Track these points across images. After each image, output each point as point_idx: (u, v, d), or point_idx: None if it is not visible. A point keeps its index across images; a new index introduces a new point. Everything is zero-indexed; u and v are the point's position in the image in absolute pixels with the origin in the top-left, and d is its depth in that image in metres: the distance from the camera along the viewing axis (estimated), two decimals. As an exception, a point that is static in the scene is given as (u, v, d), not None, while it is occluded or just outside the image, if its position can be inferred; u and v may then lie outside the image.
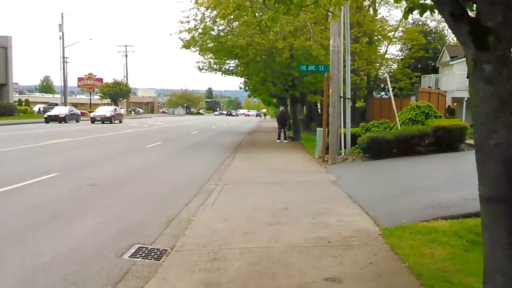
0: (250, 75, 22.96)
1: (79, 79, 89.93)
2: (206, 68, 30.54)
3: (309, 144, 22.39)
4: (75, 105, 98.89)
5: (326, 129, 15.78)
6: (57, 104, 71.96)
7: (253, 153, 19.07)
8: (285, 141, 24.23)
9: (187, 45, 20.60)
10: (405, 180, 10.97)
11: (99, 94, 74.44)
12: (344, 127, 15.76)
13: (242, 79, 32.88)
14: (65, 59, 55.74)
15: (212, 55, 26.52)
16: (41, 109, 67.13)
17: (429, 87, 37.90)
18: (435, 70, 42.11)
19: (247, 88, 33.12)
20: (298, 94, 23.73)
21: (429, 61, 43.97)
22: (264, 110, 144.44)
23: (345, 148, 15.57)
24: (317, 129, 17.51)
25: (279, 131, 24.69)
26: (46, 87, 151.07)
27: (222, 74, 31.71)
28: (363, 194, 9.37)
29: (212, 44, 21.09)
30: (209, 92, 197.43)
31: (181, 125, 46.35)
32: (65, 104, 57.93)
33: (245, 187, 10.86)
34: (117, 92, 69.98)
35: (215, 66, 30.35)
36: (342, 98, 15.45)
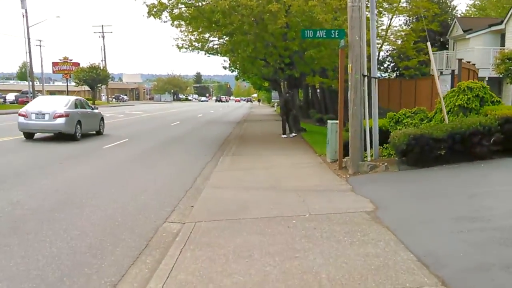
0: (236, 50, 18.20)
1: (54, 64, 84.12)
2: (187, 46, 26.03)
3: (313, 138, 17.88)
4: (52, 92, 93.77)
5: (342, 123, 11.32)
6: (27, 92, 66.89)
7: (243, 153, 14.55)
8: (293, 134, 19.57)
9: (153, 10, 15.71)
10: (504, 210, 6.53)
11: (74, 80, 68.96)
12: (368, 118, 11.26)
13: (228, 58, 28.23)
14: (29, 40, 50.27)
15: (188, 27, 21.79)
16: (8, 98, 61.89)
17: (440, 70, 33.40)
18: (443, 46, 37.54)
19: (232, 68, 28.36)
20: (297, 74, 19.18)
21: (436, 36, 39.38)
22: (255, 95, 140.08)
23: (371, 148, 11.08)
24: (329, 122, 12.99)
25: (283, 123, 19.89)
26: (24, 74, 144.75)
27: (205, 54, 27.31)
28: (450, 255, 4.93)
29: (186, 9, 16.30)
30: (198, 76, 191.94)
31: (163, 114, 41.60)
32: (32, 92, 52.64)
33: (228, 233, 6.34)
34: (94, 78, 64.55)
35: (197, 44, 25.88)
36: (365, 78, 10.91)
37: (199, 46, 26.36)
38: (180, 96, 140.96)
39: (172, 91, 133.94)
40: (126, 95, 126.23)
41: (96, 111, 20.39)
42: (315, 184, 9.53)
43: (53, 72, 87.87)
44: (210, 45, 26.32)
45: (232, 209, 7.50)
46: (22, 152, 14.32)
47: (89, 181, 9.95)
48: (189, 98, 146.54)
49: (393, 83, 31.24)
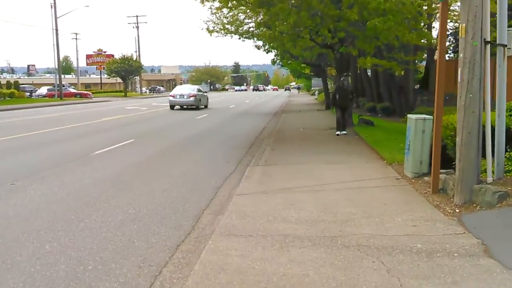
0: (273, 24, 13.88)
1: (88, 57, 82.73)
2: (219, 30, 22.44)
3: (373, 136, 13.58)
4: (88, 85, 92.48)
5: (441, 118, 7.08)
6: (63, 85, 65.03)
7: (279, 161, 10.38)
8: (343, 132, 14.88)
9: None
10: None
11: (106, 72, 66.52)
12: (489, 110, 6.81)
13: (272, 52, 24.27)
14: (57, 31, 47.77)
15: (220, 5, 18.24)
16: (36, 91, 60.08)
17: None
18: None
19: (268, 49, 24.42)
20: (355, 52, 14.69)
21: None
22: (294, 84, 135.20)
23: (492, 157, 6.63)
24: (410, 116, 8.71)
25: (338, 118, 15.00)
26: (66, 68, 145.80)
27: (240, 38, 23.68)
28: None
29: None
30: (236, 66, 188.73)
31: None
32: (59, 85, 50.30)
33: None
34: (126, 69, 61.74)
35: (230, 27, 22.40)
36: (487, 45, 6.45)
37: (233, 30, 22.92)
38: (217, 86, 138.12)
39: (209, 81, 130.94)
40: (162, 86, 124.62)
41: (206, 94, 34.83)
42: (405, 232, 5.27)
43: (87, 64, 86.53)
44: (245, 28, 22.91)
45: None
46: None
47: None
48: (226, 88, 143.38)
49: (449, 64, 26.21)
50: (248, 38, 23.77)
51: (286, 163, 10.03)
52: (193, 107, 30.90)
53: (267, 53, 24.33)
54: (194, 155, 11.75)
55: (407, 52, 21.64)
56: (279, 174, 8.89)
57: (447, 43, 31.95)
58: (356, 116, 17.88)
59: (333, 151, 11.53)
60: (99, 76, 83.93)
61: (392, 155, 10.00)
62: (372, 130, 14.84)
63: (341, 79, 14.84)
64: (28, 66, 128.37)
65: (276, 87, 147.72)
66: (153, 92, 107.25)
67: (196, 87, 34.80)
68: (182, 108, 31.25)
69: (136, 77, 68.87)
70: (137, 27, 72.70)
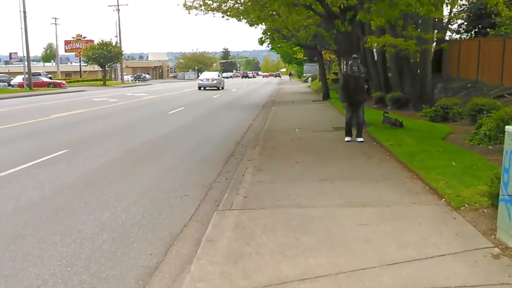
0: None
1: (66, 43, 77.65)
2: (198, 6, 19.00)
3: (398, 143, 9.56)
4: (68, 74, 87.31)
5: None
6: (39, 74, 60.33)
7: (266, 199, 6.32)
8: (359, 139, 10.59)
9: None
10: None
11: (84, 59, 61.73)
12: None
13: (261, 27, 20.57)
14: (25, 14, 42.90)
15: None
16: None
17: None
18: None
19: (266, 38, 20.94)
20: (380, 22, 10.45)
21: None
22: (284, 70, 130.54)
23: None
24: (507, 130, 4.65)
25: (348, 119, 10.73)
26: (50, 55, 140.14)
27: (223, 16, 20.01)
28: None
29: None
30: (225, 53, 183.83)
31: (171, 96, 33.68)
32: (28, 73, 45.71)
33: None
34: (105, 55, 57.02)
35: (211, 3, 18.63)
36: None
37: (215, 7, 18.92)
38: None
39: (197, 68, 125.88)
40: (148, 73, 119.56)
41: (223, 79, 51.27)
42: None
43: (66, 51, 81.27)
44: (230, 4, 19.14)
45: None
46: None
47: None
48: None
49: (469, 44, 22.20)
50: (233, 17, 19.94)
51: (279, 203, 6.04)
52: (215, 88, 43.33)
53: (255, 27, 20.46)
54: (136, 183, 7.72)
55: (426, 29, 17.67)
56: (268, 234, 4.90)
57: (459, 21, 27.97)
58: (371, 112, 13.47)
59: (349, 174, 7.57)
60: (82, 64, 78.88)
61: (452, 187, 6.08)
62: (395, 134, 10.86)
63: (349, 63, 10.64)
64: (10, 54, 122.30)
65: (267, 73, 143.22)
66: (138, 80, 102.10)
67: (217, 73, 52.90)
68: (165, 102, 27.13)
69: (117, 64, 63.92)
70: (118, 10, 67.69)
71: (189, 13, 23.81)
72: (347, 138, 10.57)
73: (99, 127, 14.91)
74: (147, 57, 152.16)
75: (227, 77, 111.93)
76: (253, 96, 34.34)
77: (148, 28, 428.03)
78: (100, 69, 63.12)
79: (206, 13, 20.16)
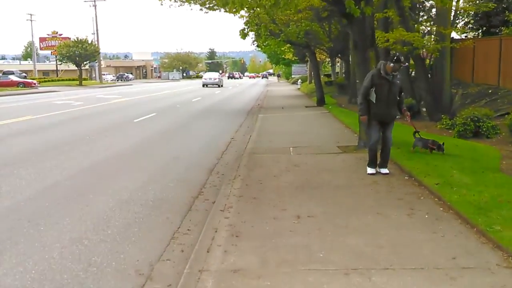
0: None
1: (41, 40, 73.43)
2: None
3: (444, 179, 6.33)
4: (46, 73, 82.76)
5: None
6: (12, 73, 56.37)
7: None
8: (384, 171, 7.33)
9: None
10: None
11: (58, 58, 57.77)
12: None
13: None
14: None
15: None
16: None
17: None
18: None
19: (248, 28, 18.44)
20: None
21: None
22: (271, 71, 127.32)
23: None
24: None
25: (374, 142, 7.29)
26: (30, 54, 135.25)
27: (201, 9, 17.44)
28: None
29: None
30: (211, 53, 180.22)
31: (146, 99, 30.24)
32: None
33: None
34: (80, 53, 53.14)
35: None
36: None
37: None
38: (190, 73, 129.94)
39: (181, 68, 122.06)
40: (131, 73, 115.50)
41: (222, 78, 59.15)
42: None
43: (41, 48, 76.83)
44: None
45: None
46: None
47: None
48: (201, 74, 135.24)
49: (487, 43, 19.13)
50: (212, 9, 17.06)
51: None
52: (216, 86, 51.63)
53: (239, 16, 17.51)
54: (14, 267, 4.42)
55: (443, 23, 14.62)
56: None
57: (466, 19, 24.98)
58: (400, 129, 9.76)
59: (394, 252, 4.33)
60: (59, 63, 74.51)
61: None
62: (431, 161, 7.67)
63: (384, 63, 7.21)
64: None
65: (253, 74, 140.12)
66: (121, 80, 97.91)
67: (217, 73, 62.93)
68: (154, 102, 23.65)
69: (95, 63, 59.92)
70: (95, 6, 63.83)
71: (162, 4, 21.00)
72: (370, 171, 7.29)
73: (30, 144, 11.46)
74: (128, 55, 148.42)
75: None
76: (238, 99, 30.95)
77: (135, 28, 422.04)
78: (69, 67, 59.22)
79: (181, 5, 17.79)
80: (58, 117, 17.87)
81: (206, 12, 19.15)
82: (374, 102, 7.03)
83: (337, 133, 12.36)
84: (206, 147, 11.17)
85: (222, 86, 52.49)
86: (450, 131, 12.31)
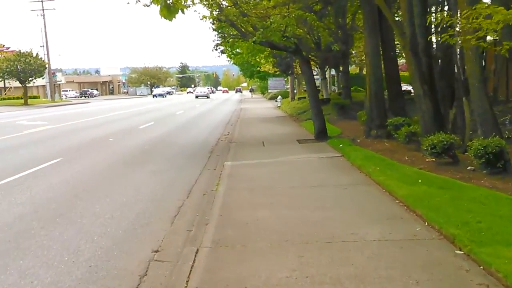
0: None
1: (-17, 54, 64.92)
2: None
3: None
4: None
5: None
6: None
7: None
8: None
9: None
10: None
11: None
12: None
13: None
14: None
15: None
16: None
17: None
18: None
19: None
20: None
21: None
22: (245, 84, 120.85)
23: None
24: None
25: None
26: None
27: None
28: None
29: None
30: (183, 67, 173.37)
31: (82, 125, 23.01)
32: None
33: None
34: (24, 69, 45.44)
35: None
36: None
37: None
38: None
39: (149, 83, 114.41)
40: (96, 89, 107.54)
41: (210, 92, 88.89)
42: None
43: (-15, 63, 68.38)
44: None
45: None
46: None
47: None
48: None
49: None
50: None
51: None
52: (207, 98, 68.09)
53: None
54: None
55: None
56: None
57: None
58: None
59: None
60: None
61: None
62: None
63: None
64: None
65: (226, 89, 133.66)
66: (84, 97, 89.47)
67: (207, 87, 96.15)
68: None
69: (36, 79, 51.78)
70: (43, 15, 56.14)
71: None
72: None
73: None
74: (97, 71, 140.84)
75: (168, 93, 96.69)
76: (202, 124, 23.67)
77: (105, 43, 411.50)
78: (36, 84, 51.12)
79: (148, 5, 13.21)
80: None
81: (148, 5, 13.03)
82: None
83: (375, 208, 5.50)
84: (106, 259, 4.27)
85: (209, 97, 71.59)
86: None
